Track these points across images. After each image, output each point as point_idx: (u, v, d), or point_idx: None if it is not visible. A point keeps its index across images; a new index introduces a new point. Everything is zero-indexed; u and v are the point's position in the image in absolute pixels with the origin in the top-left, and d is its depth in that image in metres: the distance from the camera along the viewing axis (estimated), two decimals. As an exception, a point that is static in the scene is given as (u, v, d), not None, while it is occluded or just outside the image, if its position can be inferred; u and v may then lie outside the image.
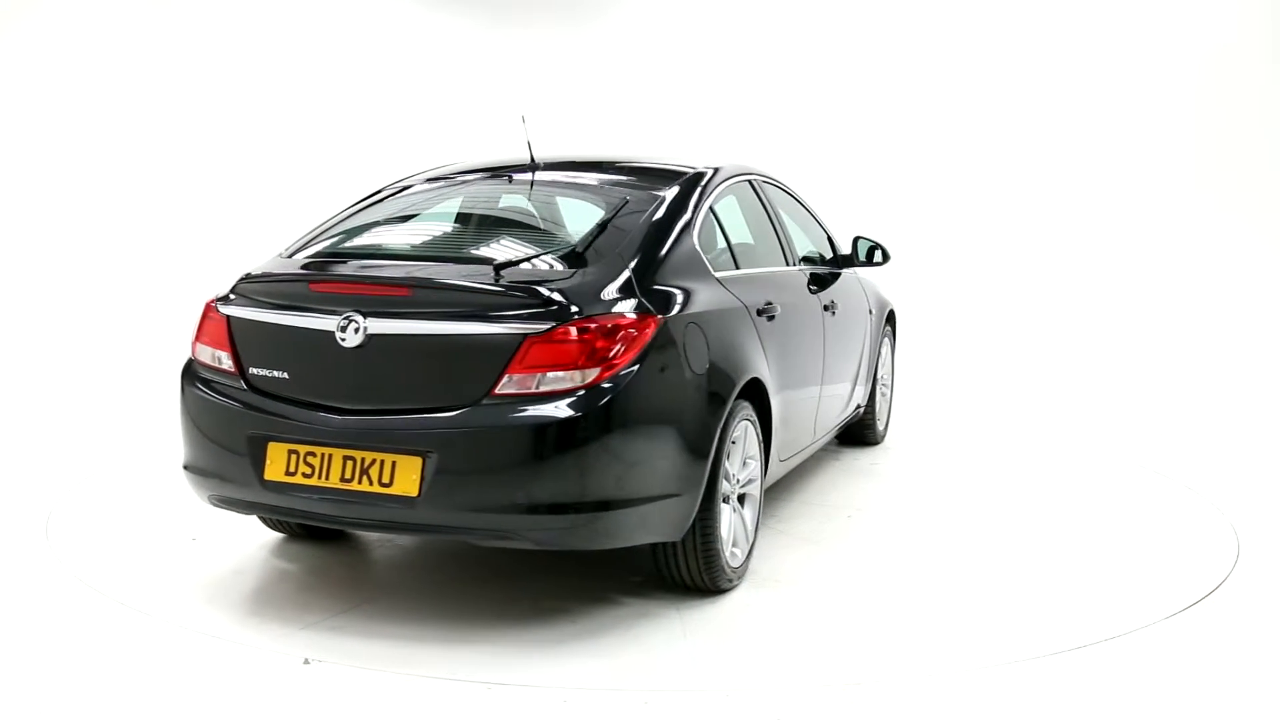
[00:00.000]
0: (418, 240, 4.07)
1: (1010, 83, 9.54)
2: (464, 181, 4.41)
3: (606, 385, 3.20)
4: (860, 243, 5.37)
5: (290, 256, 3.85)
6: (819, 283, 4.95)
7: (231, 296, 3.67)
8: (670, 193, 3.97)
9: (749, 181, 4.70)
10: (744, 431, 3.79)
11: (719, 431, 3.54)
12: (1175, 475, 5.58)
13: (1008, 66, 9.54)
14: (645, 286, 3.46)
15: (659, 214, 3.81)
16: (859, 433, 5.94)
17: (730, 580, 3.76)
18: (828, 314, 4.83)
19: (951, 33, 9.72)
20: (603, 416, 3.19)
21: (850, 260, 5.34)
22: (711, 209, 4.11)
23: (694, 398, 3.48)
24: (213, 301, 3.71)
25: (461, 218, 4.20)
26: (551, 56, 10.69)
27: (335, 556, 4.17)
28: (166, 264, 8.84)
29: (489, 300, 3.29)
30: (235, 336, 3.58)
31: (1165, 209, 9.00)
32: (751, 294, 4.03)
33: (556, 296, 3.26)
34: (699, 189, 4.08)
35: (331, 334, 3.33)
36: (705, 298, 3.70)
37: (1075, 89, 9.26)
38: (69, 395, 7.19)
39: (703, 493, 3.49)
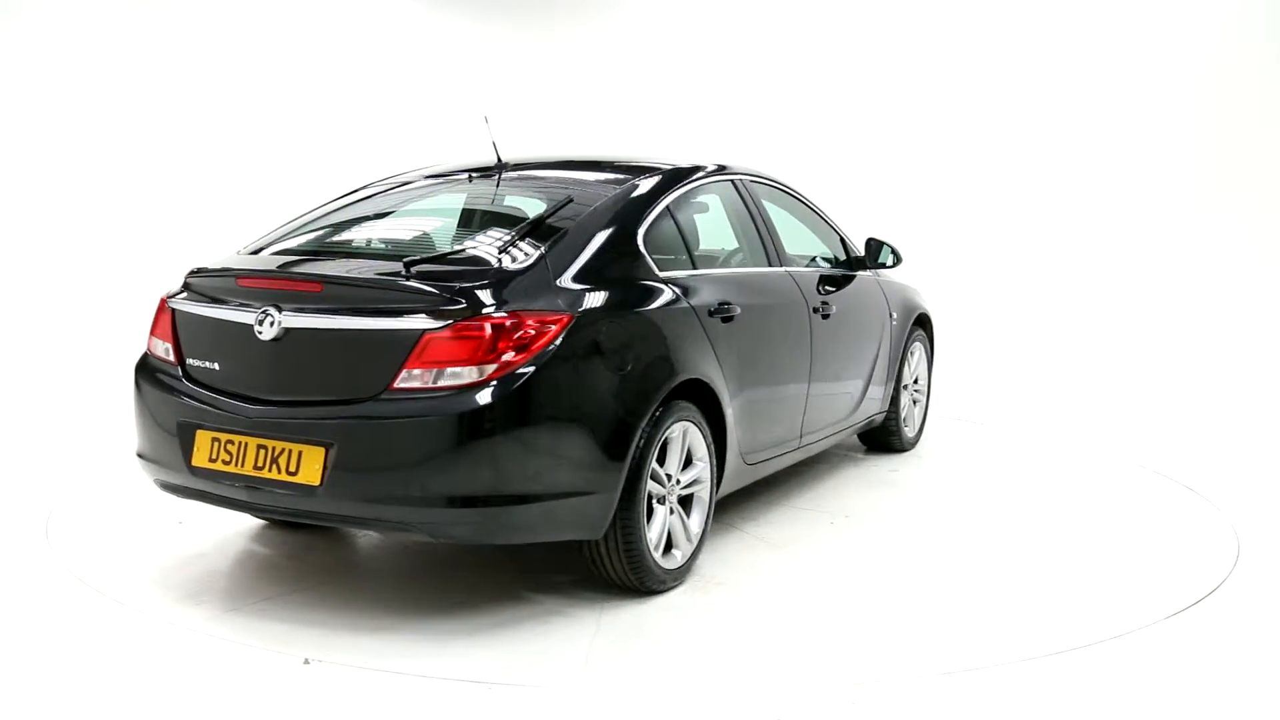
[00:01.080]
0: (358, 238, 4.13)
1: (1011, 83, 9.54)
2: (429, 182, 4.50)
3: (502, 381, 3.23)
4: (873, 245, 5.40)
5: (253, 254, 3.97)
6: (830, 285, 4.97)
7: (181, 291, 3.83)
8: (619, 192, 4.00)
9: (733, 182, 4.70)
10: (682, 433, 3.79)
11: (641, 432, 3.55)
12: (1175, 475, 5.58)
13: (1014, 66, 9.54)
14: (563, 284, 3.49)
15: (597, 213, 3.83)
16: (883, 439, 5.85)
17: (663, 582, 3.76)
18: (818, 316, 4.77)
19: (963, 30, 9.72)
20: (496, 412, 3.21)
21: (863, 263, 5.35)
22: (670, 209, 4.13)
23: (610, 397, 3.48)
24: (165, 296, 3.87)
25: (407, 217, 4.28)
26: (552, 57, 10.69)
27: (334, 555, 4.17)
28: (166, 264, 8.83)
29: (393, 296, 3.35)
30: (178, 329, 3.76)
31: (1165, 209, 9.00)
32: (705, 294, 4.02)
33: (458, 293, 3.30)
34: (655, 189, 4.12)
35: (251, 327, 3.46)
36: (638, 297, 3.73)
37: (1077, 90, 9.26)
38: (69, 396, 7.19)
39: (620, 493, 3.50)
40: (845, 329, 5.09)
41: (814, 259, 5.28)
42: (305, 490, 3.31)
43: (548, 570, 3.97)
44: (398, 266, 3.44)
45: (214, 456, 3.49)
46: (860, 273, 5.36)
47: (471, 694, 3.03)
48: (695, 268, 4.18)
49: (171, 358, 3.75)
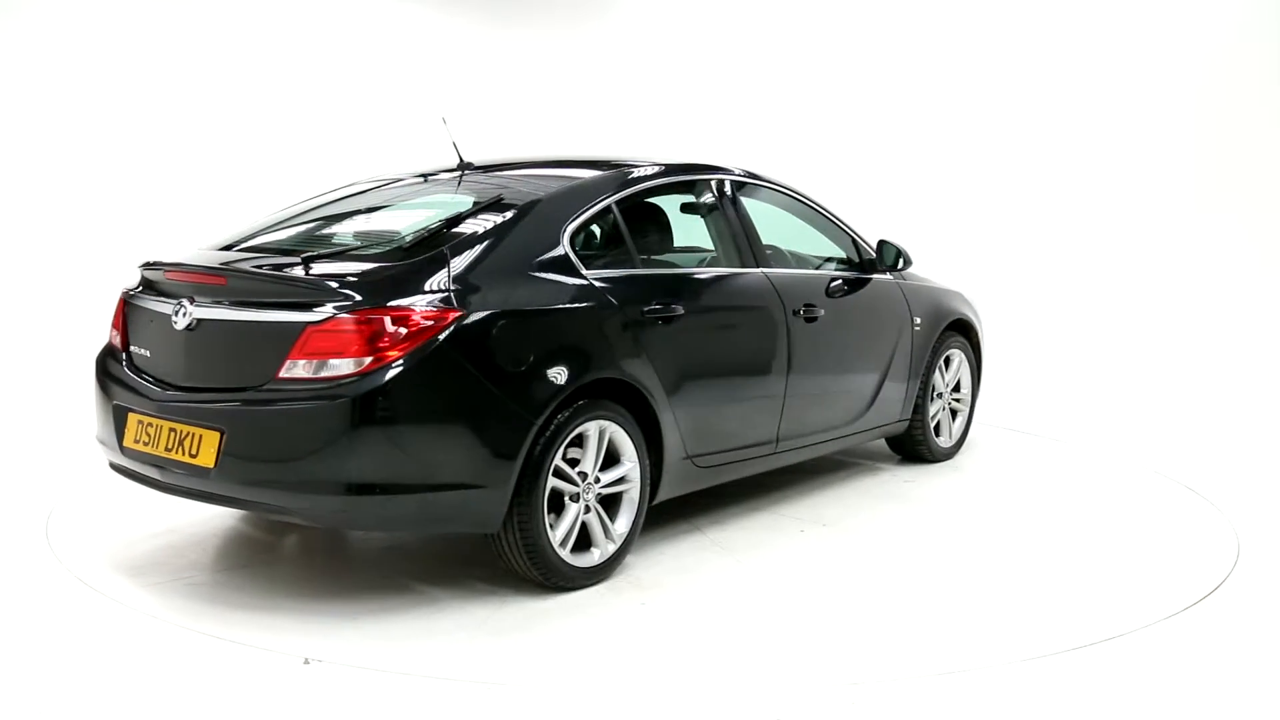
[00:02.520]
0: (295, 235, 4.18)
1: (1014, 84, 9.54)
2: (385, 183, 4.58)
3: (376, 374, 3.32)
4: (881, 247, 5.32)
5: (223, 248, 4.08)
6: (839, 287, 4.95)
7: (138, 284, 4.04)
8: (549, 192, 4.05)
9: (713, 182, 4.68)
10: (599, 431, 3.80)
11: (538, 429, 3.58)
12: (1175, 475, 5.58)
13: (1020, 66, 9.54)
14: (460, 281, 3.53)
15: (517, 212, 3.87)
16: (911, 448, 5.67)
17: (573, 580, 3.78)
18: (800, 319, 4.67)
19: (968, 31, 9.71)
20: (366, 404, 3.30)
21: (874, 265, 5.27)
22: (615, 208, 4.15)
23: (500, 393, 3.52)
24: (125, 289, 4.09)
25: (349, 216, 4.33)
26: (554, 57, 10.69)
27: (336, 556, 4.16)
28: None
29: (283, 290, 3.52)
30: (126, 318, 4.02)
31: (1166, 209, 9.00)
32: (640, 294, 4.02)
33: (343, 287, 3.42)
34: (594, 189, 4.15)
35: (170, 317, 3.69)
36: (548, 295, 3.74)
37: (1081, 91, 9.26)
38: (69, 395, 7.18)
39: (514, 488, 3.54)
40: (844, 332, 5.00)
41: (822, 262, 5.23)
42: (201, 472, 3.50)
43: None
44: (297, 262, 3.62)
45: (138, 438, 3.74)
46: (877, 276, 5.26)
47: (472, 694, 3.03)
48: (640, 267, 4.19)
49: (119, 345, 4.01)
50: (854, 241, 5.30)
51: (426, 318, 3.40)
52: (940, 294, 5.76)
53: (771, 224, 5.12)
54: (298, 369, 3.37)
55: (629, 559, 4.07)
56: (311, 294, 3.44)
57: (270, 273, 3.65)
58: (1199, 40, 8.76)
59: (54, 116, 9.08)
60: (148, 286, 3.95)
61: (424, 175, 4.59)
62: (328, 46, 10.11)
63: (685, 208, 4.73)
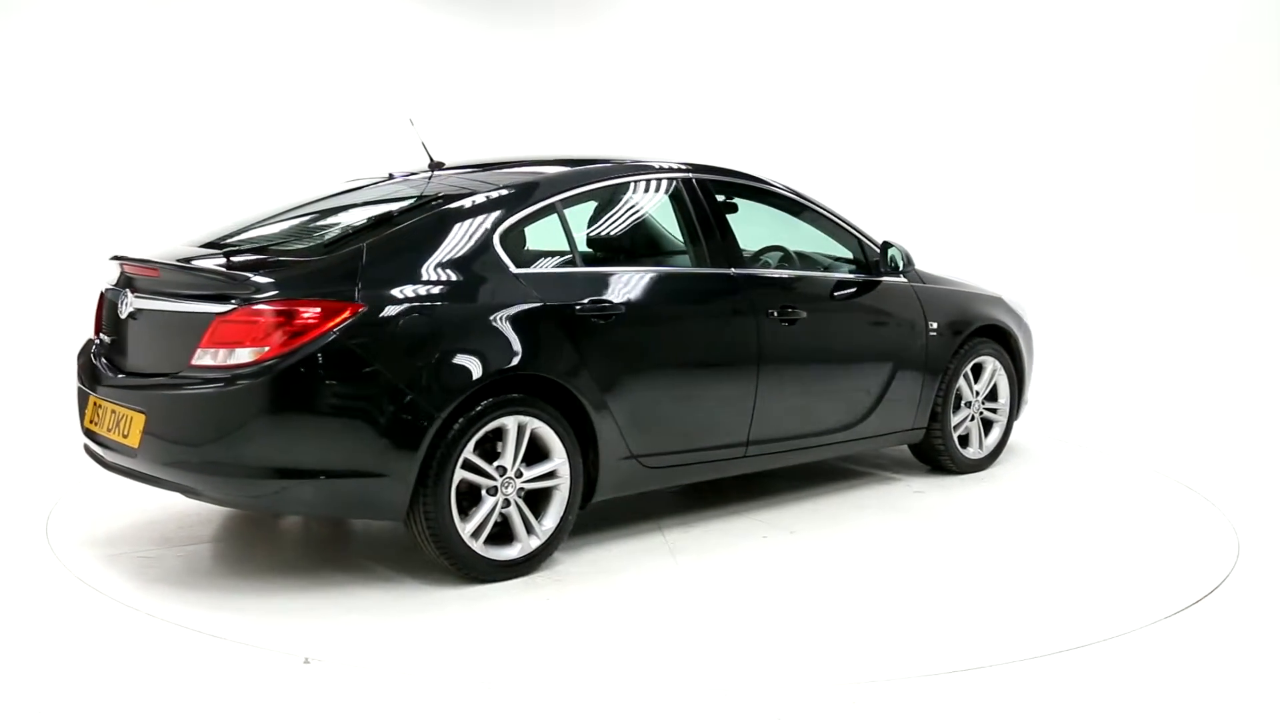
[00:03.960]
0: (247, 232, 4.27)
1: (1015, 85, 9.54)
2: (366, 184, 4.64)
3: (274, 362, 3.48)
4: (888, 249, 5.18)
5: (208, 245, 4.18)
6: (841, 290, 4.92)
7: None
8: (486, 191, 4.12)
9: (680, 181, 4.64)
10: (518, 426, 3.85)
11: (442, 421, 3.65)
12: (1175, 475, 5.58)
13: (1022, 67, 9.54)
14: (370, 275, 3.66)
15: (444, 210, 3.98)
16: (933, 457, 5.49)
17: (487, 572, 3.84)
18: (773, 320, 4.60)
19: (969, 31, 9.71)
20: (264, 391, 3.48)
21: (878, 267, 5.15)
22: (559, 207, 4.20)
23: (403, 385, 3.61)
24: (107, 282, 4.27)
25: (305, 214, 4.38)
26: (554, 57, 10.69)
27: (337, 555, 4.16)
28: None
29: (200, 282, 3.73)
30: (101, 308, 4.26)
31: (1166, 208, 9.00)
32: (576, 293, 4.05)
33: (251, 281, 3.59)
34: (543, 188, 4.21)
35: (116, 306, 3.98)
36: (465, 291, 3.83)
37: (1080, 91, 9.26)
38: (68, 394, 7.18)
39: (416, 478, 3.63)
40: (834, 335, 4.92)
41: (830, 264, 5.16)
42: (130, 452, 3.75)
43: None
44: (219, 256, 3.87)
45: (92, 419, 4.01)
46: (886, 279, 5.15)
47: (472, 693, 3.03)
48: (583, 265, 4.21)
49: (94, 333, 4.28)
50: (860, 243, 5.19)
51: (326, 310, 3.54)
52: (968, 298, 5.57)
53: (770, 225, 5.10)
54: (207, 357, 3.56)
55: (559, 555, 4.09)
56: (225, 287, 3.64)
57: (191, 266, 3.82)
58: (1201, 41, 8.76)
59: (53, 117, 9.08)
60: (117, 278, 4.17)
61: (390, 175, 4.67)
62: (326, 46, 10.11)
63: (649, 207, 4.71)
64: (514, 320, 3.87)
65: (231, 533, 4.47)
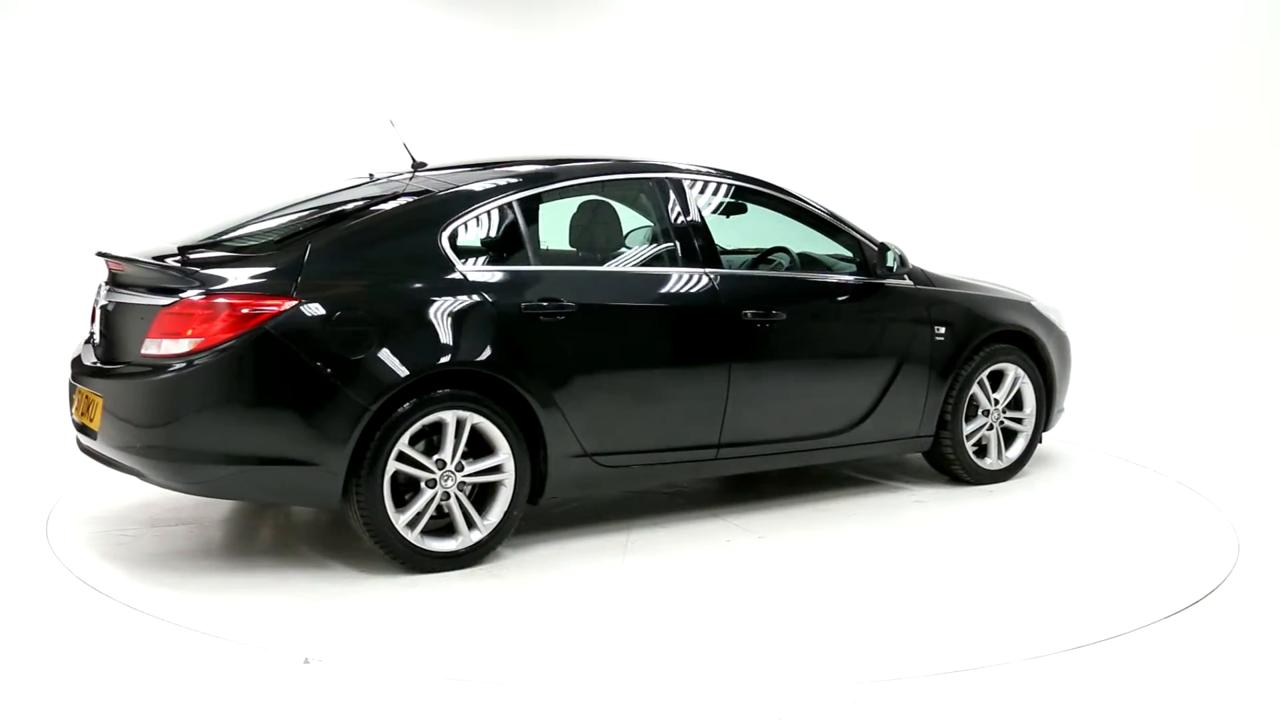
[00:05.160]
0: (234, 231, 4.32)
1: (1014, 85, 9.54)
2: (348, 184, 4.68)
3: (207, 353, 3.66)
4: (883, 251, 5.01)
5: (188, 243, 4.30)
6: (830, 290, 4.86)
7: None
8: (441, 191, 4.22)
9: (658, 181, 4.62)
10: (456, 421, 3.92)
11: (374, 414, 3.76)
12: (1175, 475, 5.57)
13: (1023, 67, 9.54)
14: (310, 272, 3.80)
15: (392, 209, 4.15)
16: (944, 466, 5.29)
17: (424, 563, 3.94)
18: (747, 321, 4.52)
19: (971, 31, 9.71)
20: (194, 379, 3.67)
21: (873, 269, 4.98)
22: (517, 206, 4.26)
23: (333, 377, 3.74)
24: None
25: (281, 212, 4.42)
26: (555, 57, 10.68)
27: (340, 554, 4.17)
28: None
29: (155, 277, 3.91)
30: (95, 302, 4.38)
31: (1165, 207, 8.99)
32: (525, 293, 4.11)
33: (196, 276, 3.78)
34: (499, 188, 4.28)
35: (98, 299, 4.23)
36: (405, 289, 3.93)
37: (1080, 93, 9.26)
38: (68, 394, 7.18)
39: (347, 469, 3.76)
40: (819, 338, 4.83)
41: (832, 265, 5.06)
42: (93, 435, 3.98)
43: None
44: (174, 252, 4.02)
45: (76, 406, 4.18)
46: (888, 281, 5.00)
47: (472, 693, 3.03)
48: (536, 264, 4.25)
49: (89, 326, 4.42)
50: (859, 244, 5.04)
51: (258, 304, 3.70)
52: (985, 302, 5.33)
53: (776, 227, 5.05)
54: (153, 346, 3.76)
55: (505, 550, 4.14)
56: (173, 281, 3.82)
57: (148, 262, 3.96)
58: (1204, 40, 8.76)
59: (52, 117, 9.08)
60: (106, 274, 4.35)
61: (371, 176, 4.70)
62: (325, 46, 10.11)
63: (617, 207, 4.70)
64: (452, 318, 3.96)
65: (232, 533, 4.48)
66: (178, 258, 3.94)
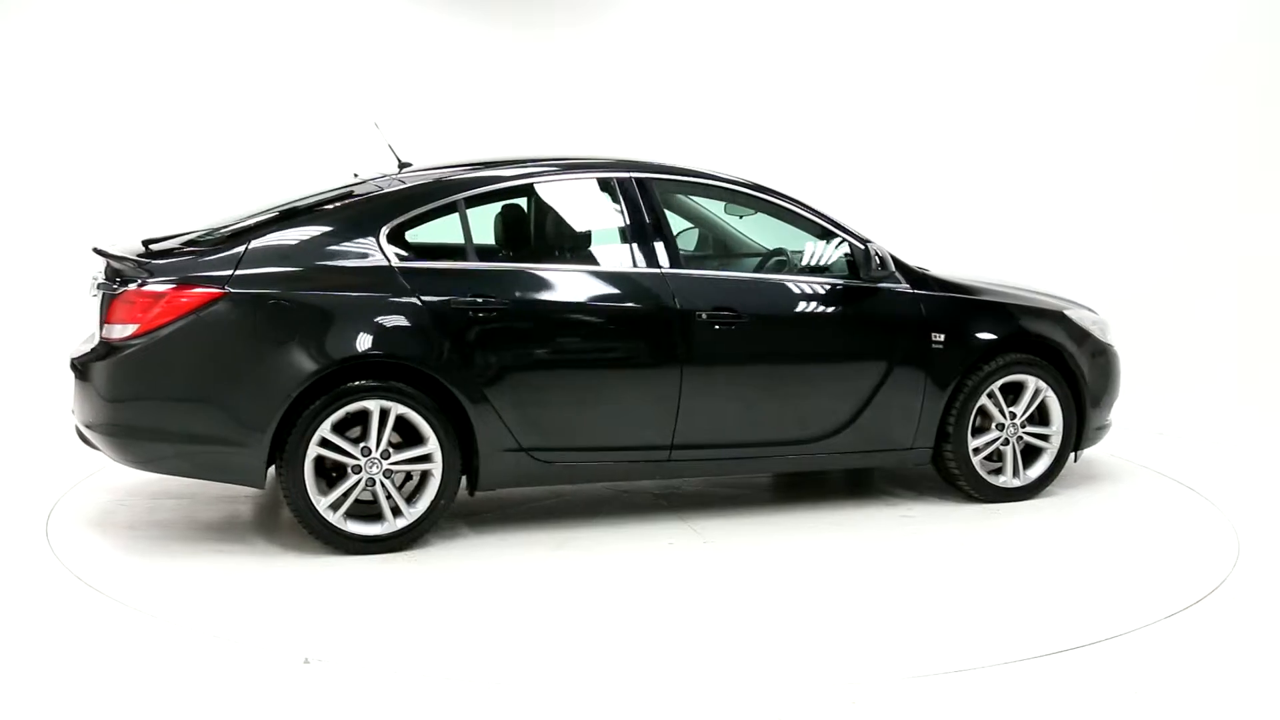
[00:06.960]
0: (210, 226, 4.44)
1: (1014, 85, 9.54)
2: (337, 184, 4.71)
3: (141, 338, 3.99)
4: (871, 253, 4.79)
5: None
6: (805, 292, 4.68)
7: None
8: (384, 190, 4.39)
9: (620, 180, 4.60)
10: (380, 410, 4.11)
11: (294, 400, 4.01)
12: (1175, 475, 5.57)
13: (1023, 67, 9.54)
14: (244, 265, 4.08)
15: (336, 207, 4.32)
16: (951, 482, 5.01)
17: (348, 546, 4.14)
18: (702, 323, 4.44)
19: (972, 31, 9.70)
20: (127, 362, 4.01)
21: (858, 273, 4.75)
22: (463, 205, 4.39)
23: (256, 364, 4.04)
24: None
25: (257, 210, 4.48)
26: (555, 57, 10.68)
27: (334, 554, 4.17)
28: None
29: (120, 268, 4.13)
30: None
31: (1164, 206, 8.99)
32: (458, 289, 4.22)
33: (144, 267, 4.06)
34: (445, 187, 4.41)
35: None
36: (333, 283, 4.13)
37: (1080, 93, 9.26)
38: (69, 395, 7.17)
39: (268, 451, 4.03)
40: (791, 341, 4.68)
41: (820, 267, 4.86)
42: (74, 412, 4.28)
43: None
44: (138, 245, 4.23)
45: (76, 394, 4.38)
46: (882, 284, 4.78)
47: (473, 693, 3.03)
48: (474, 261, 4.37)
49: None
50: (850, 246, 4.78)
51: (189, 294, 3.99)
52: (999, 309, 5.01)
53: (772, 227, 5.02)
54: (111, 331, 4.07)
55: (433, 538, 4.28)
56: (128, 272, 4.09)
57: (114, 254, 4.19)
58: (1206, 41, 8.76)
59: (52, 117, 9.08)
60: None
61: (355, 175, 4.77)
62: (324, 46, 10.11)
63: (566, 206, 4.71)
64: (379, 311, 4.14)
65: (233, 533, 4.47)
66: (141, 251, 4.20)
